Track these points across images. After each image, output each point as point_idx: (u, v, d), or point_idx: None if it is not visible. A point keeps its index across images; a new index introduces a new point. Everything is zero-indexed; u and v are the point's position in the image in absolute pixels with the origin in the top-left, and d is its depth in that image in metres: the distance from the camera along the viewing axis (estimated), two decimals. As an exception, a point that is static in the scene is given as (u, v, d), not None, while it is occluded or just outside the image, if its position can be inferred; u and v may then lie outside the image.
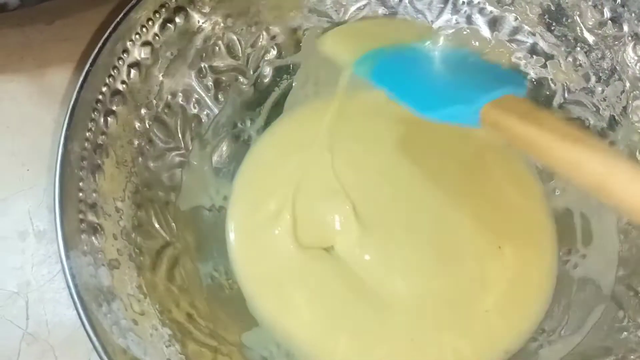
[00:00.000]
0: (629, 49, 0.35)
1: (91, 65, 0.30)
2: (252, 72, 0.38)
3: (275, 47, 0.39)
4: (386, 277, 0.36)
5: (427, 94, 0.28)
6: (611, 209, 0.23)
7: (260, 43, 0.38)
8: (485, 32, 0.39)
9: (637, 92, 0.35)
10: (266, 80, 0.39)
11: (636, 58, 0.35)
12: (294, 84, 0.40)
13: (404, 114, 0.41)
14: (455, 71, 0.30)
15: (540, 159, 0.25)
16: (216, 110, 0.37)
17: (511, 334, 0.35)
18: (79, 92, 0.30)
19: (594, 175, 0.22)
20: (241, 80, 0.38)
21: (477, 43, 0.40)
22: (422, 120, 0.40)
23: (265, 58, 0.39)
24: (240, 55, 0.38)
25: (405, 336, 0.35)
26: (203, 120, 0.37)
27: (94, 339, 0.25)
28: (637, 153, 0.35)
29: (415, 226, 0.37)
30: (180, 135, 0.36)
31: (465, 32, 0.40)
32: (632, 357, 0.30)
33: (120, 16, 0.31)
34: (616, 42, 0.35)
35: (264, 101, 0.40)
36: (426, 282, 0.36)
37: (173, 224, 0.34)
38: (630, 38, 0.35)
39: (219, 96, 0.37)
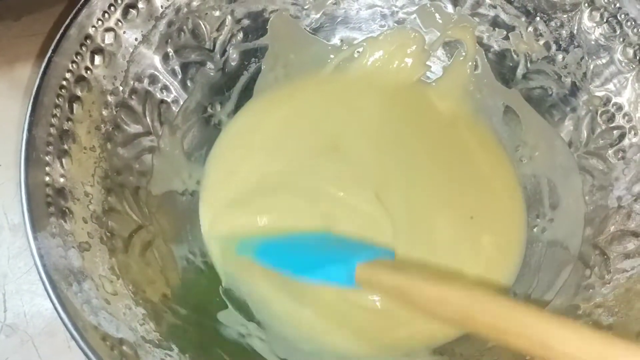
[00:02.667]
0: (585, 15, 0.36)
1: (53, 52, 0.31)
2: (219, 57, 0.39)
3: (241, 31, 0.39)
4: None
5: (305, 262, 0.32)
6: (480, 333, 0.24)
7: (225, 27, 0.38)
8: (448, 7, 0.40)
9: (595, 57, 0.36)
10: (234, 64, 0.39)
11: (593, 24, 0.36)
12: (262, 67, 0.40)
13: (376, 90, 0.41)
14: (331, 247, 0.34)
15: (411, 305, 0.27)
16: (185, 96, 0.37)
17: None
18: (41, 79, 0.30)
19: (459, 306, 0.24)
20: (209, 64, 0.38)
21: (440, 20, 0.41)
22: (395, 95, 0.41)
23: (232, 42, 0.39)
24: (206, 39, 0.38)
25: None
26: (172, 106, 0.37)
27: (63, 315, 0.25)
28: (598, 117, 0.36)
29: (387, 196, 0.37)
30: (149, 121, 0.36)
31: (428, 9, 0.41)
32: (599, 311, 0.30)
33: (80, 3, 0.32)
34: (573, 9, 0.36)
35: (233, 85, 0.40)
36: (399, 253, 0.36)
37: (145, 208, 0.35)
38: (586, 5, 0.35)
39: (187, 81, 0.37)
